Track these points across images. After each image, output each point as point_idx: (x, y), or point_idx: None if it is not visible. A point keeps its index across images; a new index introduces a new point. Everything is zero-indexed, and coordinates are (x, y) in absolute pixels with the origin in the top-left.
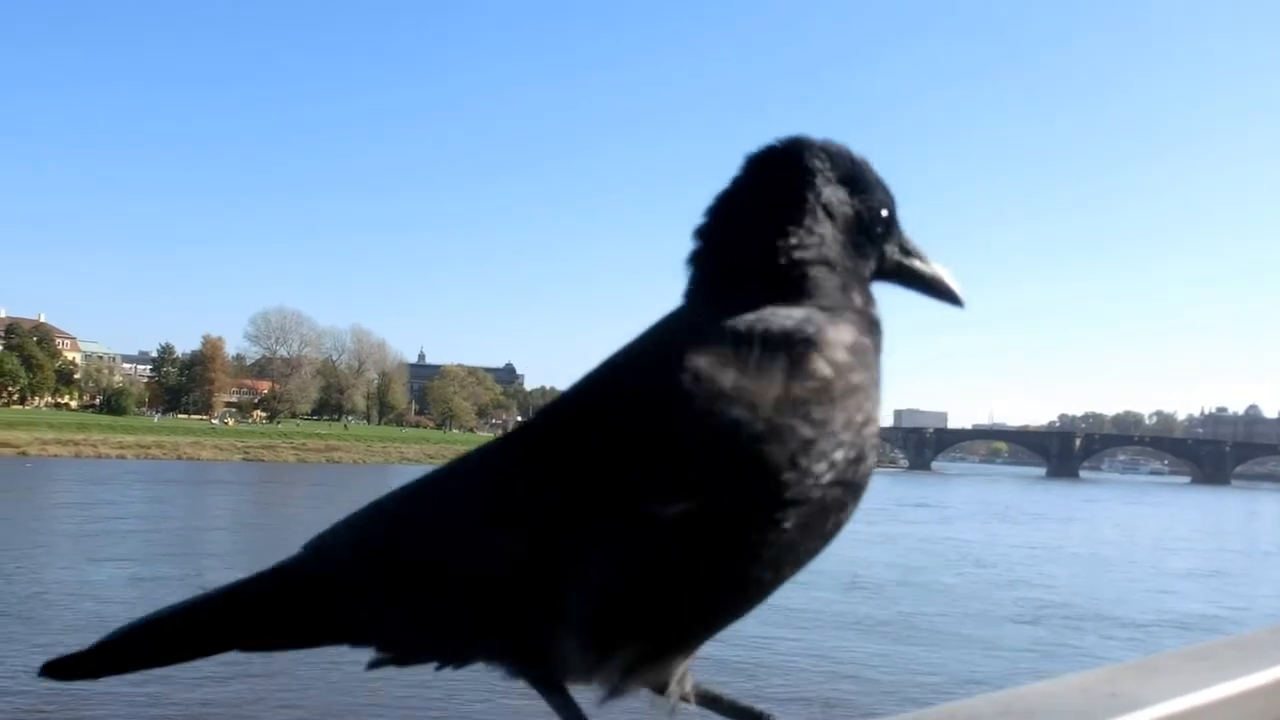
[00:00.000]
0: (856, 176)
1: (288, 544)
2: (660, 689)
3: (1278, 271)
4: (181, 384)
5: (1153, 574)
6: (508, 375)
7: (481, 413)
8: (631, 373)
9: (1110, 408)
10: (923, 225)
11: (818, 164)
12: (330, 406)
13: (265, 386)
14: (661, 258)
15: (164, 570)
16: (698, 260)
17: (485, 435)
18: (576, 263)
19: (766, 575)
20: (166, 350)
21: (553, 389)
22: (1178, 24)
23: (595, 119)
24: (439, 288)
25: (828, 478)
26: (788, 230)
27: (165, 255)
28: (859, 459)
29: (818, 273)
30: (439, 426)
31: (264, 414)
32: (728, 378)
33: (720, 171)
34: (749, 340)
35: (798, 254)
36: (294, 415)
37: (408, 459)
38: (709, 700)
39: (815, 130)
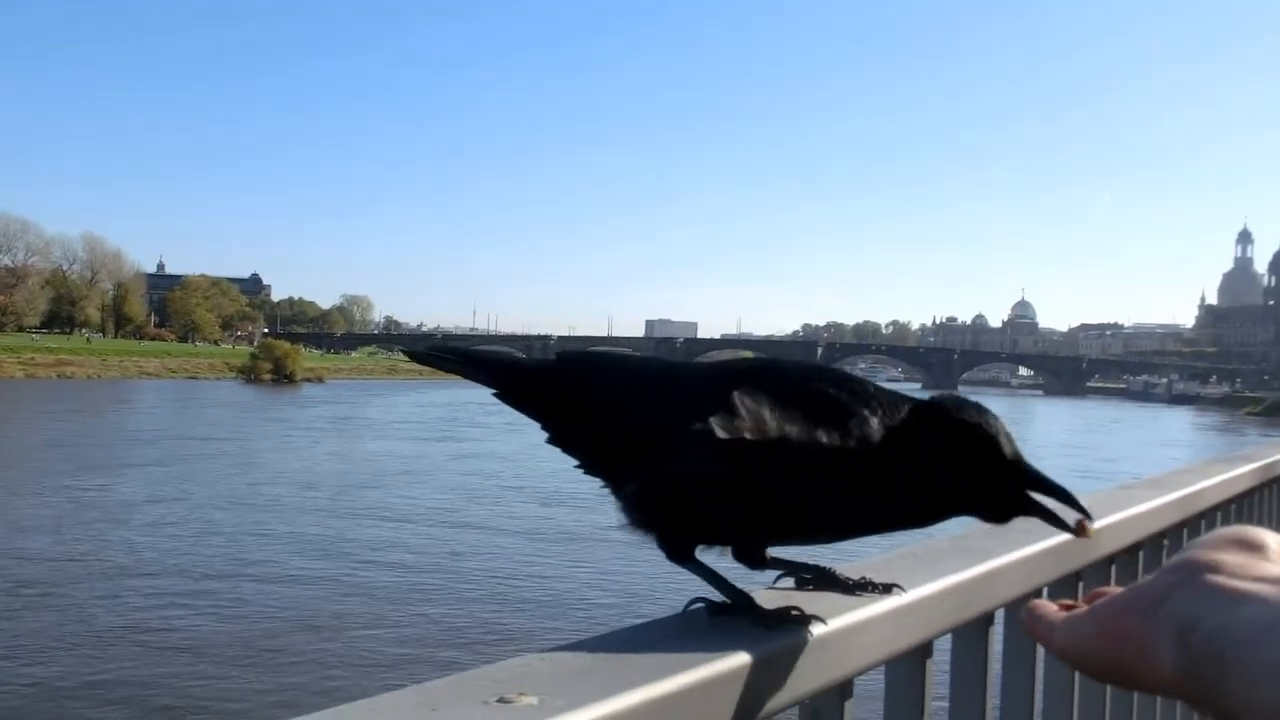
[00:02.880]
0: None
1: (13, 463)
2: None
3: (1002, 192)
4: None
5: None
6: (253, 286)
7: (226, 325)
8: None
9: (851, 318)
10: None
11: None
12: (61, 319)
13: None
14: (419, 164)
15: None
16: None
17: (229, 348)
18: (324, 163)
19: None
20: None
21: (301, 299)
22: None
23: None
24: (179, 191)
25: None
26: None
27: None
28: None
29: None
30: (181, 339)
31: None
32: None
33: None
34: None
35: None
36: (21, 329)
37: (147, 373)
38: (774, 561)
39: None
